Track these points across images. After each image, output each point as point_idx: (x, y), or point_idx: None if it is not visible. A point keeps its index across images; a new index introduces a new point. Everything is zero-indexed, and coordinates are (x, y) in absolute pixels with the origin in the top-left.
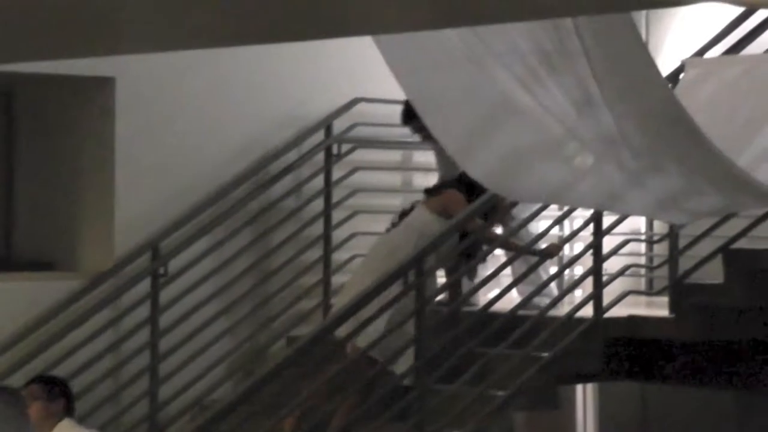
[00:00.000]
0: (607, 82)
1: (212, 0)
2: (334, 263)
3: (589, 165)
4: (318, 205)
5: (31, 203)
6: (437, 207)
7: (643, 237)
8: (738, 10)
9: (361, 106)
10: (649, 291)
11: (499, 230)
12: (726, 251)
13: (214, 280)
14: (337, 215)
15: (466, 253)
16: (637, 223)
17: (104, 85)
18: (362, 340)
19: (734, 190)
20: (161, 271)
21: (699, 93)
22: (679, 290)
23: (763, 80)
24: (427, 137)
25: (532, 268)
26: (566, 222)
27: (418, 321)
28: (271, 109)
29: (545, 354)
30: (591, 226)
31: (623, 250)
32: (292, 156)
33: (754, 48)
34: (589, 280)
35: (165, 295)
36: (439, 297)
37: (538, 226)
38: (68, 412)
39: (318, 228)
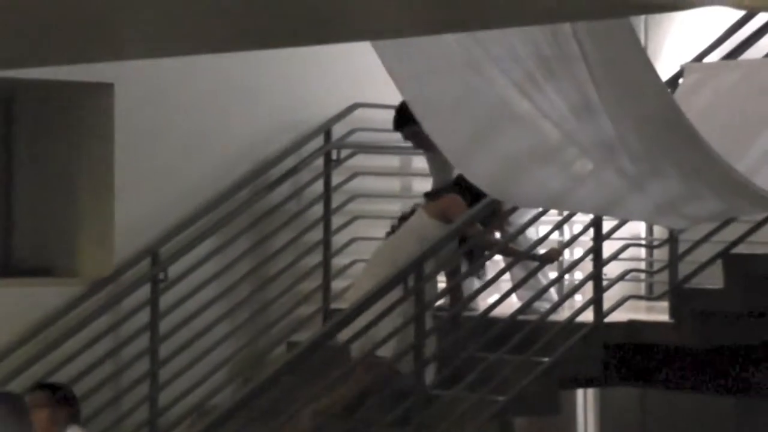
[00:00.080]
0: (606, 87)
1: (211, 6)
2: (333, 268)
3: (589, 170)
4: (317, 210)
5: (31, 209)
6: (437, 211)
7: (643, 242)
8: (737, 14)
9: (360, 112)
10: (649, 296)
11: (496, 236)
12: (726, 256)
13: (213, 286)
14: (336, 220)
15: (468, 255)
16: (637, 227)
17: (103, 90)
18: (366, 344)
19: (733, 194)
20: (161, 276)
21: (698, 98)
22: (679, 295)
23: (761, 85)
24: (419, 144)
25: (532, 273)
26: (566, 227)
27: (417, 326)
28: (270, 115)
29: (545, 359)
30: (591, 231)
31: (623, 255)
32: (291, 161)
33: (753, 53)
34: (589, 285)
35: (165, 301)
36: (440, 302)
37: (537, 231)
38: (74, 419)
39: (317, 233)
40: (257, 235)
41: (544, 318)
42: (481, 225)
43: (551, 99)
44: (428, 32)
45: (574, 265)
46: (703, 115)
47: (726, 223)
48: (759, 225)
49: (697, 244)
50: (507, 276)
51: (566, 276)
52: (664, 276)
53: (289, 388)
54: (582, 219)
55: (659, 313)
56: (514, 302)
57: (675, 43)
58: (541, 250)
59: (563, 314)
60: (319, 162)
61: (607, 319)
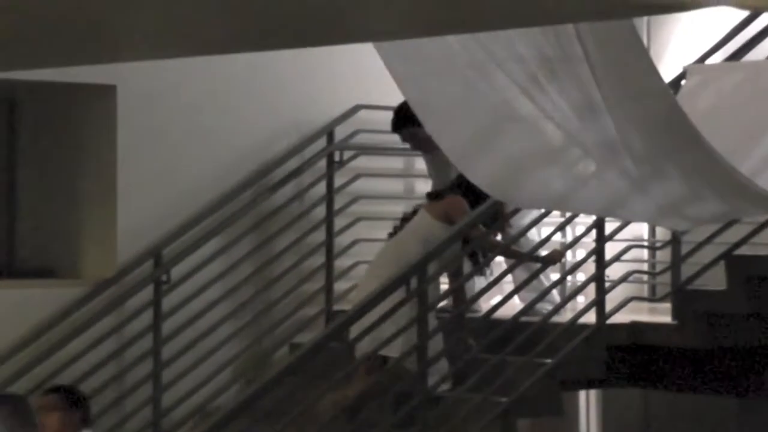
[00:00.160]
0: (609, 89)
1: (213, 8)
2: (336, 270)
3: (591, 171)
4: (320, 212)
5: (34, 210)
6: (440, 213)
7: (645, 243)
8: (740, 15)
9: (362, 113)
10: (652, 297)
11: (497, 238)
12: (728, 257)
13: (216, 287)
14: (339, 222)
15: (471, 256)
16: (639, 229)
17: (106, 92)
18: (370, 345)
19: (736, 196)
20: (164, 278)
21: (701, 99)
22: (681, 297)
23: (764, 86)
24: (417, 146)
25: (534, 275)
26: (568, 228)
27: (420, 327)
28: (272, 116)
29: (548, 360)
30: (593, 233)
31: (625, 257)
32: (294, 163)
33: (756, 54)
34: (592, 287)
35: (168, 302)
36: (443, 303)
37: (540, 232)
38: (86, 422)
39: (320, 235)
40: (260, 236)
41: (547, 319)
42: (483, 226)
43: (554, 100)
44: (430, 34)
45: (577, 266)
46: (705, 116)
47: (729, 225)
48: (762, 226)
49: (699, 246)
50: (509, 278)
51: (569, 277)
52: (667, 277)
53: (292, 389)
54: (584, 220)
55: (662, 314)
56: (516, 304)
57: (678, 45)
58: (544, 252)
59: (566, 316)
60: (322, 163)
61: (610, 321)
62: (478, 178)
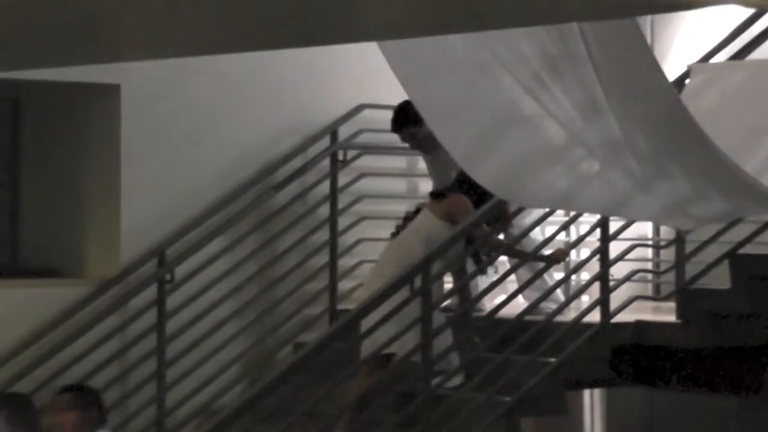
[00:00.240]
0: (613, 88)
1: (215, 7)
2: (340, 269)
3: (595, 171)
4: (324, 211)
5: (37, 210)
6: (443, 212)
7: (649, 242)
8: (744, 14)
9: (366, 113)
10: (656, 296)
11: (500, 237)
12: (733, 257)
13: (220, 287)
14: (343, 221)
15: (474, 255)
16: (643, 228)
17: (110, 92)
18: (373, 344)
19: (741, 195)
20: (167, 277)
21: (705, 98)
22: (686, 296)
23: None
24: (416, 146)
25: (538, 274)
26: (572, 227)
27: (424, 326)
28: (276, 116)
29: (552, 359)
30: (597, 232)
31: (630, 256)
32: (297, 162)
33: (760, 53)
34: (596, 286)
35: (171, 302)
36: (447, 302)
37: (544, 232)
38: (101, 422)
39: (324, 234)
40: (264, 235)
41: (551, 318)
42: (486, 226)
43: (558, 99)
44: (433, 33)
45: (581, 265)
46: (710, 115)
47: (733, 224)
48: (766, 225)
49: (704, 245)
50: (512, 277)
51: (573, 277)
52: (671, 276)
53: (296, 388)
54: (588, 219)
55: (666, 313)
56: (520, 303)
57: (682, 44)
58: (547, 251)
59: (570, 315)
60: (326, 163)
61: (614, 320)
62: (482, 177)
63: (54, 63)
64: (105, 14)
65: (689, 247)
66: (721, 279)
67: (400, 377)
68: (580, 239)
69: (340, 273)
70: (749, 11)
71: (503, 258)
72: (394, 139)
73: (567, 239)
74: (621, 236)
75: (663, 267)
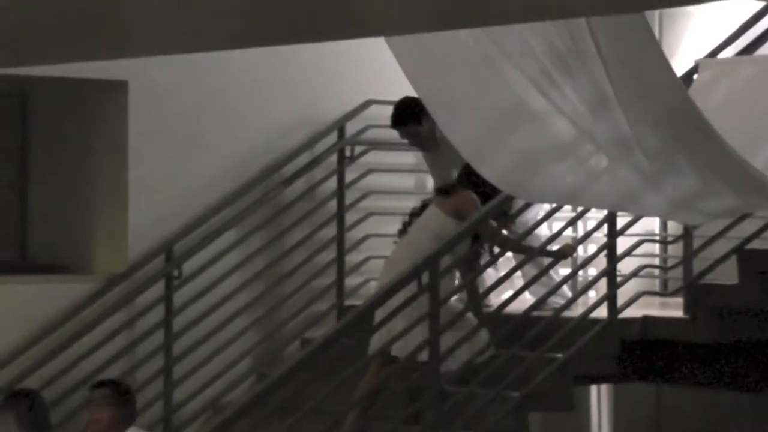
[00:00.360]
0: (621, 83)
1: (223, 2)
2: (347, 265)
3: (603, 167)
4: (331, 207)
5: (45, 206)
6: (451, 209)
7: (657, 238)
8: (753, 9)
9: (373, 108)
10: (664, 292)
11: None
12: (741, 252)
13: (227, 283)
14: (350, 217)
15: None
16: (651, 223)
17: (117, 88)
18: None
19: (749, 190)
20: (175, 273)
21: (713, 94)
22: (693, 291)
23: None
24: (416, 143)
25: (545, 270)
26: (580, 223)
27: (432, 322)
28: (283, 112)
29: (559, 355)
30: (605, 227)
31: (637, 251)
32: (305, 158)
33: None
34: (603, 281)
35: (179, 298)
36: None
37: (551, 227)
38: (133, 419)
39: (331, 230)
40: (271, 232)
41: (558, 314)
42: (493, 222)
43: (566, 95)
44: (440, 28)
45: (588, 261)
46: (718, 110)
47: (741, 219)
48: None
49: (711, 240)
50: (518, 273)
51: (580, 272)
52: (679, 272)
53: (304, 384)
54: (596, 215)
55: (674, 309)
56: (527, 299)
57: (690, 39)
58: (555, 247)
59: (577, 311)
60: (333, 159)
61: (621, 316)
62: (489, 173)
63: (62, 59)
64: (113, 8)
65: (697, 243)
66: (728, 274)
67: (405, 372)
68: (588, 235)
69: (348, 269)
70: (759, 5)
71: (508, 254)
72: None
73: (574, 235)
74: (628, 232)
75: (670, 262)
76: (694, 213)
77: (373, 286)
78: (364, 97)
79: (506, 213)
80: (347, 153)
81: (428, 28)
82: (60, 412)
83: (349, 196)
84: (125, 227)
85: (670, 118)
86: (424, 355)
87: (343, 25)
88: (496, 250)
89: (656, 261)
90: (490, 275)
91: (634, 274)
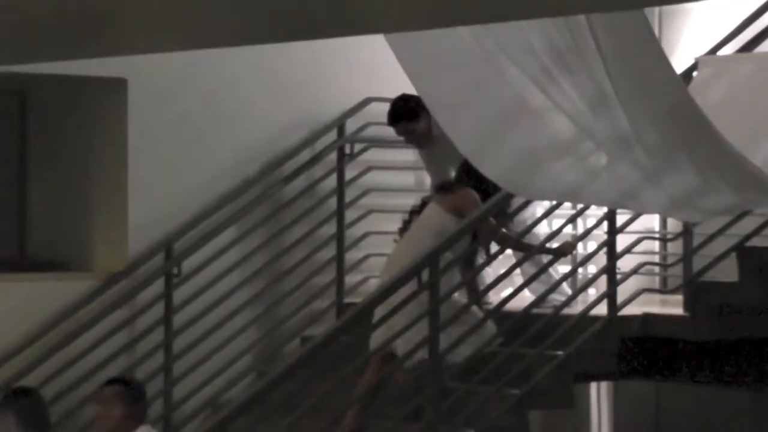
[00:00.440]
0: (621, 80)
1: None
2: (347, 263)
3: (603, 164)
4: (331, 204)
5: (45, 204)
6: (451, 206)
7: (657, 235)
8: (753, 6)
9: (373, 106)
10: (664, 289)
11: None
12: (740, 249)
13: (227, 280)
14: (350, 215)
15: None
16: (650, 221)
17: (117, 85)
18: (378, 339)
19: (748, 187)
20: (175, 271)
21: (713, 91)
22: (693, 288)
23: None
24: (412, 141)
25: (545, 268)
26: (579, 220)
27: (432, 320)
28: (283, 110)
29: (559, 353)
30: (604, 225)
31: (637, 249)
32: (304, 156)
33: None
34: (603, 279)
35: (178, 295)
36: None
37: (551, 225)
38: (145, 418)
39: (331, 227)
40: (271, 229)
41: (558, 312)
42: (493, 219)
43: (566, 92)
44: (439, 25)
45: (588, 258)
46: (717, 107)
47: (740, 216)
48: None
49: (711, 238)
50: (517, 270)
51: (580, 270)
52: (679, 269)
53: (304, 382)
54: (595, 213)
55: (673, 306)
56: (526, 296)
57: (689, 36)
58: (555, 244)
59: (577, 308)
60: (333, 156)
61: (621, 313)
62: (489, 170)
63: (61, 56)
64: (108, 6)
65: (697, 240)
66: (728, 272)
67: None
68: (588, 232)
69: (348, 266)
70: (758, 2)
71: (508, 252)
72: None
73: (574, 232)
74: (628, 229)
75: (670, 260)
76: (694, 210)
77: (372, 284)
78: (364, 95)
79: (504, 211)
80: (347, 150)
81: (428, 26)
82: (59, 411)
83: (349, 194)
84: (125, 225)
85: (670, 115)
86: (424, 353)
87: (343, 22)
88: (493, 249)
89: (656, 258)
90: (489, 273)
91: (634, 271)
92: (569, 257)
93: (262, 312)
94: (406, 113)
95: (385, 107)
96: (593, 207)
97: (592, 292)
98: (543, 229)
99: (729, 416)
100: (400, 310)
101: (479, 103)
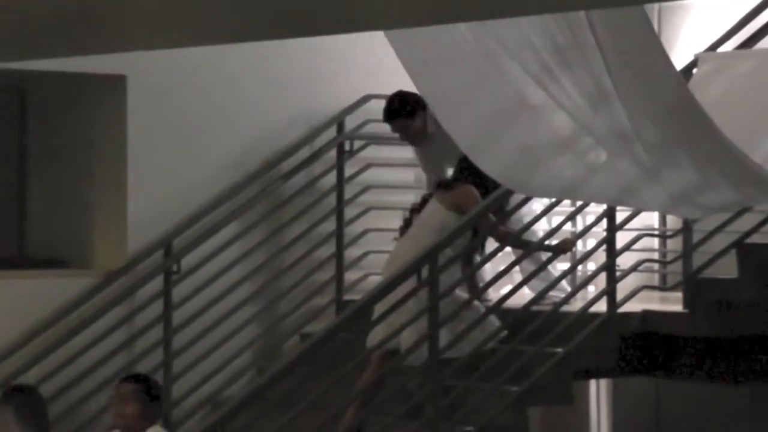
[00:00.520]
0: (621, 77)
1: None
2: (346, 260)
3: (603, 161)
4: (330, 201)
5: (44, 201)
6: (451, 203)
7: (656, 232)
8: (752, 2)
9: (372, 103)
10: (663, 286)
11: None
12: (740, 246)
13: (226, 277)
14: (349, 212)
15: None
16: (650, 218)
17: (116, 82)
18: (378, 335)
19: (748, 184)
20: (174, 268)
21: (712, 87)
22: (693, 285)
23: None
24: (408, 138)
25: (544, 265)
26: (579, 218)
27: (431, 316)
28: (282, 106)
29: (559, 350)
30: (604, 222)
31: (636, 246)
32: (304, 153)
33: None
34: (603, 276)
35: (178, 293)
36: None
37: (550, 222)
38: (158, 417)
39: (330, 225)
40: (270, 226)
41: (558, 309)
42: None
43: (566, 89)
44: (440, 21)
45: (587, 255)
46: (717, 104)
47: (740, 213)
48: None
49: (711, 234)
50: (516, 267)
51: (579, 267)
52: (678, 266)
53: (303, 379)
54: (595, 210)
55: (673, 303)
56: (526, 293)
57: (689, 33)
58: (554, 241)
59: (576, 305)
60: (332, 153)
61: (621, 310)
62: (489, 167)
63: (60, 53)
64: (108, 3)
65: (696, 237)
66: (728, 268)
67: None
68: (587, 229)
69: (347, 263)
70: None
71: (507, 249)
72: None
73: (573, 229)
74: (628, 226)
75: (670, 257)
76: (693, 207)
77: (372, 281)
78: (363, 92)
79: (502, 209)
80: (346, 147)
81: (428, 23)
82: (58, 408)
83: (349, 191)
84: (124, 222)
85: (670, 111)
86: (424, 352)
87: (343, 19)
88: (491, 247)
89: (656, 255)
90: (487, 270)
91: (634, 268)
92: (569, 254)
93: (262, 309)
94: (402, 110)
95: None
96: (593, 204)
97: (592, 289)
98: (542, 226)
99: (729, 412)
100: (399, 307)
101: (479, 100)
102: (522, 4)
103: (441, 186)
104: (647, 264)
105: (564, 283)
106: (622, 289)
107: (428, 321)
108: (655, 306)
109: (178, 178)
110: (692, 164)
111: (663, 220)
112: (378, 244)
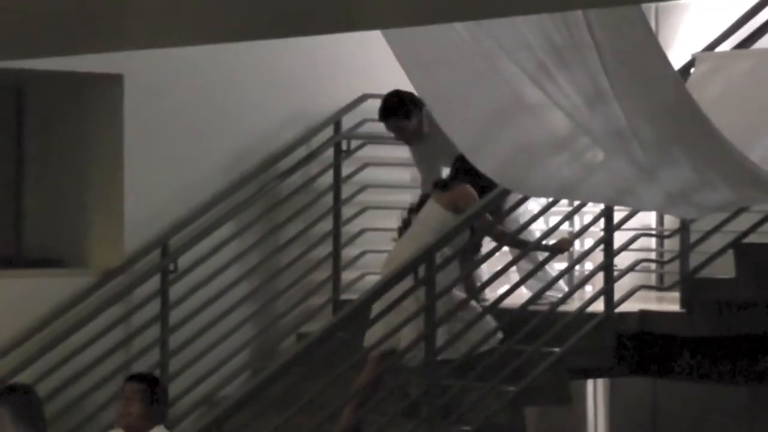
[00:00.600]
0: (618, 76)
1: None
2: (343, 259)
3: (600, 160)
4: (327, 201)
5: (41, 200)
6: (449, 203)
7: (653, 232)
8: (750, 2)
9: (369, 102)
10: (660, 286)
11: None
12: (737, 246)
13: (223, 277)
14: (346, 211)
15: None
16: (647, 218)
17: (113, 81)
18: (376, 335)
19: (745, 184)
20: (171, 267)
21: (710, 87)
22: (690, 285)
23: None
24: (403, 137)
25: (541, 265)
26: (576, 217)
27: (428, 316)
28: (279, 106)
29: (556, 349)
30: (601, 222)
31: (634, 246)
32: (301, 152)
33: (765, 42)
34: (600, 276)
35: (175, 292)
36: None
37: (548, 221)
38: (163, 418)
39: (327, 224)
40: (267, 226)
41: (555, 308)
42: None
43: (563, 88)
44: (437, 21)
45: (585, 255)
46: (714, 104)
47: (737, 213)
48: None
49: (708, 234)
50: (514, 267)
51: (576, 267)
52: (675, 266)
53: (300, 379)
54: (592, 209)
55: (670, 303)
56: (523, 293)
57: (686, 33)
58: (551, 241)
59: (574, 305)
60: (329, 153)
61: (618, 310)
62: (486, 166)
63: (57, 52)
64: (105, 2)
65: (693, 237)
66: (725, 268)
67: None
68: (584, 229)
69: (344, 263)
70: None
71: (504, 249)
72: None
73: (571, 229)
74: (625, 226)
75: (667, 257)
76: (691, 206)
77: (369, 281)
78: (361, 91)
79: (500, 208)
80: (343, 147)
81: (426, 22)
82: (55, 407)
83: (346, 190)
84: (121, 221)
85: (667, 110)
86: (420, 353)
87: (342, 19)
88: (487, 247)
89: (653, 255)
90: (483, 270)
91: (631, 268)
92: (566, 254)
93: (259, 308)
94: (398, 109)
95: None
96: (590, 204)
97: (589, 289)
98: (540, 226)
99: (726, 412)
100: (396, 306)
101: (476, 100)
102: (520, 3)
103: (438, 186)
104: (644, 264)
105: (561, 282)
106: (620, 288)
107: (425, 320)
108: (653, 306)
109: (175, 177)
110: (689, 164)
111: (660, 220)
112: (375, 244)
